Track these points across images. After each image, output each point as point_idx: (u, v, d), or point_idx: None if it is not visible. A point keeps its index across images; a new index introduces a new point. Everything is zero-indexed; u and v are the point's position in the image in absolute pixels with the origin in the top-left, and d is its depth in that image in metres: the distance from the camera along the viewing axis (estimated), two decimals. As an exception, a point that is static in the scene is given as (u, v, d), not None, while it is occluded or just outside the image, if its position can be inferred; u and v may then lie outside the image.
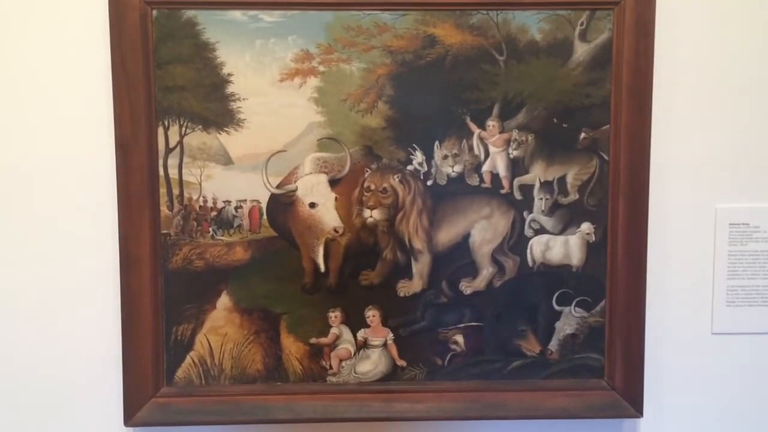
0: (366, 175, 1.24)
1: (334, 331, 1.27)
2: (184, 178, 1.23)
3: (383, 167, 1.24)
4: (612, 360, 1.27)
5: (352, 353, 1.27)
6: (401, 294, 1.27)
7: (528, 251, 1.27)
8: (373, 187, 1.24)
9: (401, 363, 1.28)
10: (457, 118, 1.23)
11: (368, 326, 1.27)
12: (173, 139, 1.22)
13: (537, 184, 1.25)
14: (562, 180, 1.26)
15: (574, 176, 1.26)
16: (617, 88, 1.22)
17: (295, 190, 1.24)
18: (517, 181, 1.25)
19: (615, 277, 1.26)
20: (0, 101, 1.22)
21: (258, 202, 1.24)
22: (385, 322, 1.27)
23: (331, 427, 1.28)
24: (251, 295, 1.26)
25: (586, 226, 1.26)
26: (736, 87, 1.27)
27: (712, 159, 1.28)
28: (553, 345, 1.28)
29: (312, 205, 1.25)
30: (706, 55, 1.26)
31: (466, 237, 1.26)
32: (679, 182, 1.28)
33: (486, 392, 1.27)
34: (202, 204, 1.24)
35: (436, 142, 1.24)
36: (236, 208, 1.24)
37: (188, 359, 1.26)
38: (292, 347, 1.27)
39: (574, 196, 1.26)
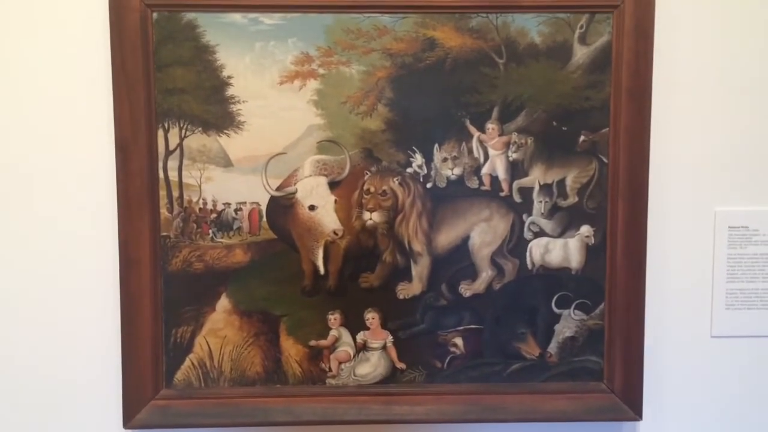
0: (366, 177, 1.24)
1: (333, 333, 1.27)
2: (184, 180, 1.23)
3: (383, 170, 1.24)
4: (611, 363, 1.27)
5: (352, 356, 1.27)
6: (401, 296, 1.27)
7: (527, 254, 1.27)
8: (372, 189, 1.25)
9: (400, 365, 1.28)
10: (457, 121, 1.24)
11: (368, 329, 1.27)
12: (173, 142, 1.22)
13: (536, 187, 1.26)
14: (561, 183, 1.26)
15: (574, 179, 1.26)
16: (617, 91, 1.22)
17: (294, 193, 1.24)
18: (516, 184, 1.26)
19: (614, 280, 1.26)
20: (0, 103, 1.22)
21: (258, 204, 1.24)
22: (384, 325, 1.27)
23: (330, 430, 1.28)
24: (251, 298, 1.26)
25: (585, 229, 1.26)
26: (736, 89, 1.27)
27: (712, 161, 1.29)
28: (553, 348, 1.28)
29: (312, 207, 1.25)
30: (706, 58, 1.26)
31: (466, 240, 1.27)
32: (678, 185, 1.29)
33: (485, 395, 1.27)
34: (201, 206, 1.24)
35: (436, 145, 1.24)
36: (236, 211, 1.24)
37: (187, 361, 1.26)
38: (291, 349, 1.27)
39: (573, 199, 1.26)
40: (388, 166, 1.24)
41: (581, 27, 1.22)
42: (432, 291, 1.27)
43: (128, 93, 1.19)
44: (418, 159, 1.24)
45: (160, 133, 1.22)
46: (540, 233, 1.27)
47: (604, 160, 1.25)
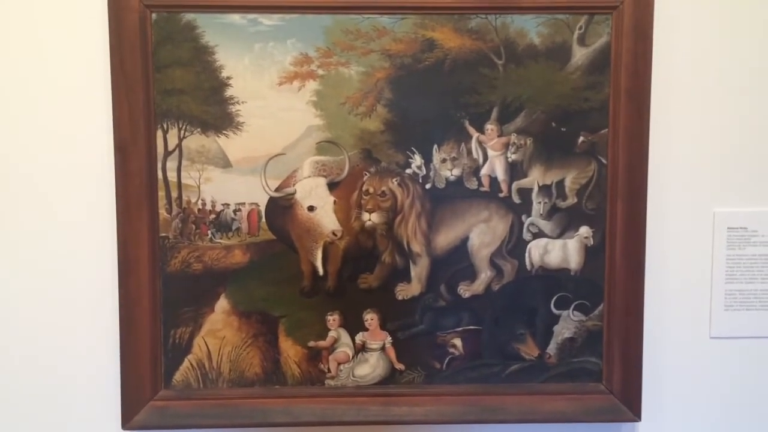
0: (365, 178, 1.24)
1: (332, 334, 1.27)
2: (183, 181, 1.23)
3: (382, 170, 1.24)
4: (610, 364, 1.27)
5: (351, 356, 1.27)
6: (400, 297, 1.27)
7: (526, 255, 1.27)
8: (371, 190, 1.25)
9: (399, 366, 1.28)
10: (456, 122, 1.24)
11: (367, 329, 1.27)
12: (172, 142, 1.22)
13: (535, 188, 1.26)
14: (560, 184, 1.26)
15: (573, 180, 1.26)
16: (615, 92, 1.23)
17: (293, 194, 1.24)
18: (515, 185, 1.26)
19: (613, 280, 1.26)
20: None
21: (257, 205, 1.24)
22: (383, 326, 1.27)
23: (329, 431, 1.27)
24: (249, 299, 1.25)
25: (584, 230, 1.26)
26: (735, 90, 1.27)
27: (711, 162, 1.29)
28: (552, 349, 1.28)
29: (311, 208, 1.25)
30: (705, 59, 1.26)
31: (465, 240, 1.27)
32: (677, 186, 1.29)
33: (484, 396, 1.27)
34: (200, 207, 1.24)
35: (435, 146, 1.24)
36: (235, 211, 1.24)
37: (186, 362, 1.26)
38: (290, 350, 1.27)
39: (572, 200, 1.26)
40: (387, 166, 1.24)
41: (580, 28, 1.22)
42: (431, 292, 1.27)
43: (127, 93, 1.19)
44: (417, 160, 1.24)
45: (159, 133, 1.22)
46: (539, 234, 1.27)
47: (603, 161, 1.25)
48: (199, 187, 1.23)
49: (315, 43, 1.21)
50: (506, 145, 1.25)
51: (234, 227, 1.24)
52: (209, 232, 1.24)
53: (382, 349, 1.27)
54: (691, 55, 1.26)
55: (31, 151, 1.23)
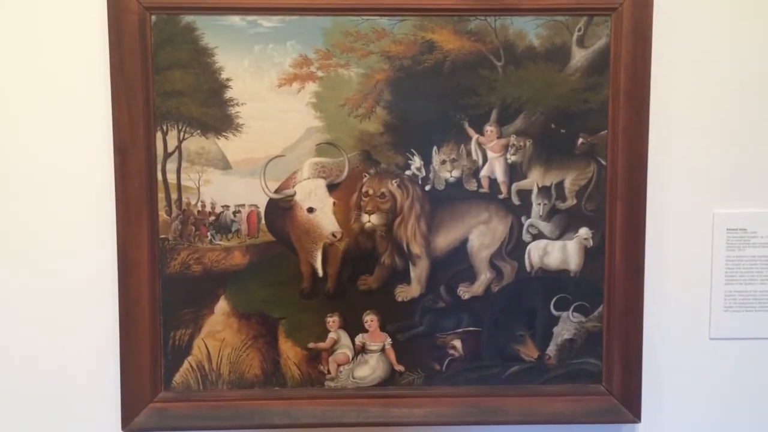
0: (364, 180, 1.25)
1: (332, 335, 1.27)
2: (183, 182, 1.23)
3: (381, 172, 1.24)
4: (610, 365, 1.27)
5: (350, 358, 1.27)
6: (399, 299, 1.27)
7: (526, 256, 1.27)
8: (371, 192, 1.25)
9: (399, 368, 1.28)
10: (456, 124, 1.24)
11: (366, 331, 1.27)
12: (172, 144, 1.22)
13: (535, 189, 1.26)
14: (559, 185, 1.26)
15: (572, 181, 1.26)
16: (615, 93, 1.23)
17: (293, 195, 1.24)
18: (515, 186, 1.26)
19: (613, 282, 1.26)
20: (-1, 106, 1.23)
21: (256, 206, 1.24)
22: (383, 327, 1.27)
23: (329, 432, 1.28)
24: (249, 300, 1.26)
25: (583, 231, 1.26)
26: (734, 91, 1.27)
27: (710, 164, 1.29)
28: (551, 350, 1.28)
29: (310, 209, 1.25)
30: (704, 60, 1.26)
31: (464, 242, 1.27)
32: (676, 187, 1.29)
33: (484, 397, 1.27)
34: (200, 209, 1.24)
35: (435, 147, 1.24)
36: (234, 213, 1.24)
37: (186, 364, 1.26)
38: (290, 352, 1.27)
39: (571, 201, 1.26)
40: (387, 168, 1.24)
41: (579, 30, 1.22)
42: (431, 293, 1.27)
43: (127, 95, 1.19)
44: (416, 161, 1.24)
45: (159, 135, 1.22)
46: (538, 235, 1.27)
47: (603, 162, 1.25)
48: (198, 188, 1.23)
49: (314, 45, 1.21)
50: (506, 147, 1.25)
51: (234, 229, 1.24)
52: (209, 233, 1.24)
53: (382, 350, 1.28)
54: (691, 56, 1.26)
55: (31, 152, 1.24)
